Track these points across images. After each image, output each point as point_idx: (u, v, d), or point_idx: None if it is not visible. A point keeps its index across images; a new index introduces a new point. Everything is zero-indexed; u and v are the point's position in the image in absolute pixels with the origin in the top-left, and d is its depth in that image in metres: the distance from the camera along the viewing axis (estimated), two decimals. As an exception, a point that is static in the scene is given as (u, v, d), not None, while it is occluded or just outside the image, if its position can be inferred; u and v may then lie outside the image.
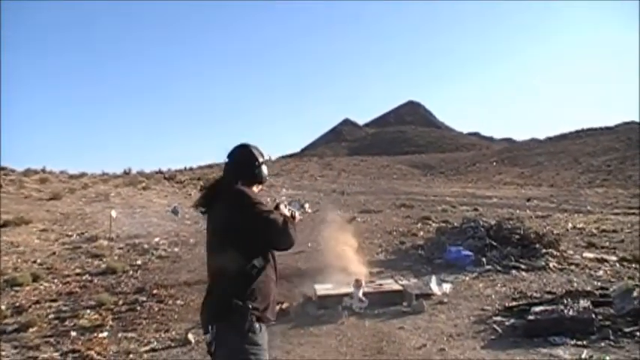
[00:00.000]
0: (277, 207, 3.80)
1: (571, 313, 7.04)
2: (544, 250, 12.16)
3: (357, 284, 8.93)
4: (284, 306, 8.67)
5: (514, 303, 8.52)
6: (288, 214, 3.81)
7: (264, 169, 3.86)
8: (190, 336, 7.41)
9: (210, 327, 3.44)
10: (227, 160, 3.83)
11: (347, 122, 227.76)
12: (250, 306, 3.38)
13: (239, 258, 3.44)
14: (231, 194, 3.59)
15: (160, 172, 58.03)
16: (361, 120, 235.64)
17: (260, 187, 3.89)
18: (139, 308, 9.44)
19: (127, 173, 51.58)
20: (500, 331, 7.21)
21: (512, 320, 7.56)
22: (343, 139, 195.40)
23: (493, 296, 9.24)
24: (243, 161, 3.78)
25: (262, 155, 3.86)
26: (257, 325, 3.41)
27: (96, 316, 8.99)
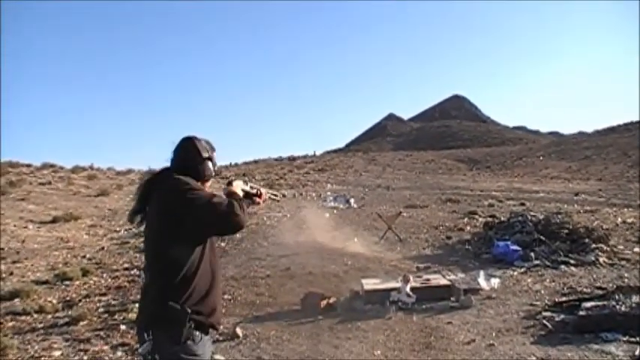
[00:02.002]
0: (230, 183, 3.47)
1: (623, 308, 6.91)
2: (593, 245, 11.97)
3: (405, 279, 8.92)
4: (331, 300, 8.68)
5: (564, 298, 8.40)
6: (247, 189, 3.56)
7: (210, 164, 3.45)
8: (238, 330, 7.45)
9: (146, 334, 3.06)
10: (172, 153, 3.46)
11: (391, 117, 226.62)
12: (189, 310, 3.04)
13: (176, 255, 3.09)
14: (168, 183, 3.22)
15: (206, 168, 58.44)
16: (406, 115, 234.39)
17: (206, 185, 3.46)
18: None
19: (174, 168, 52.06)
20: (550, 326, 7.11)
21: (562, 316, 7.45)
22: (388, 134, 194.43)
23: (542, 291, 9.15)
24: (185, 154, 3.40)
25: (209, 150, 3.47)
26: (197, 333, 3.07)
27: (147, 310, 9.10)
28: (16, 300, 9.92)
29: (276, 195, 3.99)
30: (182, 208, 3.08)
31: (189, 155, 3.39)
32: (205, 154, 3.43)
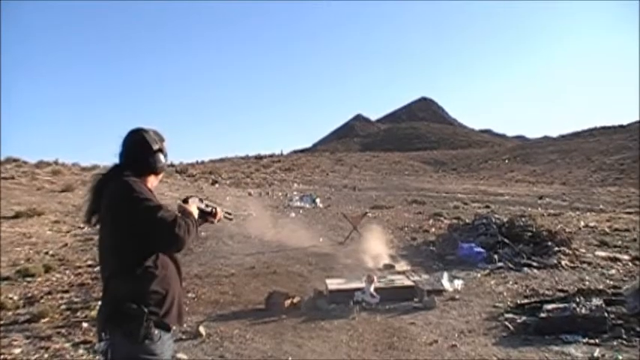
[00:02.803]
0: (186, 201, 3.43)
1: (583, 311, 7.02)
2: (556, 248, 12.15)
3: (369, 279, 8.94)
4: (295, 300, 8.67)
5: (526, 300, 8.53)
6: (203, 207, 3.51)
7: (161, 157, 3.36)
8: (202, 329, 7.38)
9: (103, 334, 3.02)
10: (120, 147, 3.35)
11: (359, 118, 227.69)
12: (147, 310, 2.98)
13: (132, 255, 3.04)
14: (116, 186, 3.14)
15: (172, 165, 58.16)
16: (373, 116, 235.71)
17: (158, 177, 3.43)
18: (150, 300, 9.46)
19: (139, 166, 51.62)
20: (511, 328, 7.19)
21: (523, 318, 7.54)
22: (355, 135, 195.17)
23: (505, 293, 9.25)
24: (134, 148, 3.30)
25: (159, 141, 3.37)
26: (156, 332, 3.01)
27: (108, 307, 9.00)
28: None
29: (230, 214, 3.87)
30: (128, 214, 3.04)
31: (139, 149, 3.31)
32: (156, 146, 3.34)
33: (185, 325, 7.87)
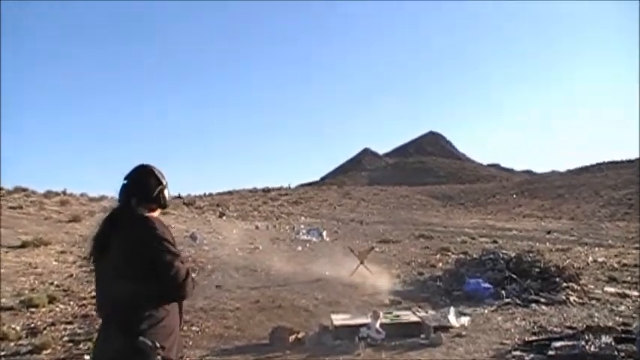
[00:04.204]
0: None
1: (593, 349, 6.89)
2: (564, 284, 12.01)
3: (375, 315, 8.83)
4: (299, 335, 8.58)
5: (534, 337, 8.38)
6: None
7: (167, 192, 3.46)
8: (204, 364, 7.32)
9: None
10: (124, 182, 3.40)
11: (367, 152, 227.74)
12: (158, 345, 2.99)
13: (142, 291, 3.07)
14: (136, 221, 3.21)
15: (180, 197, 58.36)
16: (381, 150, 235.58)
17: (159, 212, 3.48)
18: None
19: (146, 198, 51.77)
20: (519, 366, 7.06)
21: (531, 355, 7.39)
22: (363, 169, 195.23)
23: (512, 330, 9.10)
24: (144, 183, 3.38)
25: (164, 177, 3.47)
26: None
27: (111, 341, 8.92)
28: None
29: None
30: (151, 252, 3.08)
31: (150, 184, 3.39)
32: (164, 182, 3.45)
33: (188, 360, 7.81)
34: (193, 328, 9.72)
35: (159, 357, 2.99)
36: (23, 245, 18.42)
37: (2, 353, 8.20)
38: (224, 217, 44.17)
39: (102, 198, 42.98)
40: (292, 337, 8.45)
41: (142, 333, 2.98)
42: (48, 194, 35.90)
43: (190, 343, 8.80)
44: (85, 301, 12.00)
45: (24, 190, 35.49)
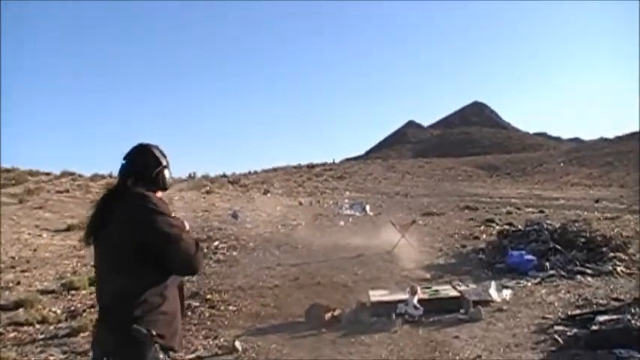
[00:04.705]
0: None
1: (639, 323, 6.57)
2: (611, 254, 11.56)
3: (413, 290, 8.65)
4: (336, 313, 8.43)
5: (578, 311, 8.06)
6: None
7: (167, 173, 3.30)
8: (237, 344, 7.21)
9: (105, 359, 2.90)
10: (123, 161, 3.24)
11: (411, 124, 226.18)
12: (154, 333, 2.86)
13: (141, 276, 2.93)
14: (132, 199, 3.03)
15: (225, 175, 58.73)
16: (426, 122, 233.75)
17: (161, 194, 3.29)
18: (190, 313, 9.33)
19: (191, 177, 52.32)
20: (561, 341, 6.74)
21: (574, 330, 7.08)
22: (408, 141, 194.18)
23: (556, 303, 8.77)
24: (143, 162, 3.22)
25: (165, 157, 3.32)
26: (161, 357, 2.91)
27: (147, 321, 8.91)
28: (20, 310, 9.79)
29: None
30: (148, 233, 2.93)
31: (148, 164, 3.23)
32: (164, 162, 3.29)
33: (222, 340, 7.73)
34: (230, 307, 9.67)
35: (157, 346, 2.88)
36: (69, 228, 18.70)
37: (41, 336, 8.26)
38: (268, 195, 44.29)
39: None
40: (328, 315, 8.32)
41: (137, 321, 2.85)
42: (94, 177, 36.33)
43: (226, 322, 8.75)
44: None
45: (71, 174, 35.98)
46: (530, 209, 27.25)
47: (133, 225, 2.94)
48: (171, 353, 3.04)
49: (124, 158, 3.24)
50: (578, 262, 11.24)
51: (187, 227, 3.17)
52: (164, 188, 3.31)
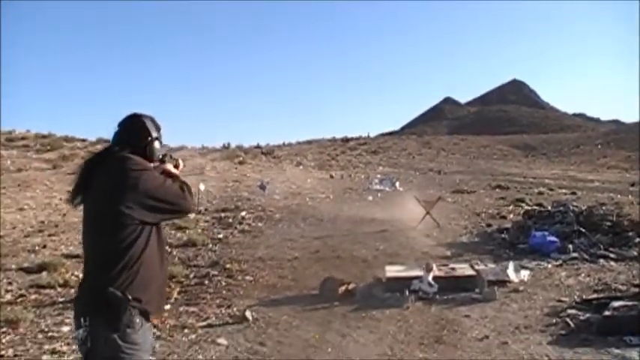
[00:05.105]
0: (163, 161, 3.35)
1: (653, 310, 6.40)
2: (638, 239, 11.34)
3: (428, 267, 8.59)
4: (350, 287, 8.42)
5: (594, 295, 7.91)
6: (172, 167, 3.41)
7: (157, 144, 3.27)
8: (248, 313, 7.25)
9: (83, 320, 2.87)
10: (116, 129, 3.24)
11: (448, 100, 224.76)
12: (130, 297, 2.84)
13: (120, 239, 2.89)
14: (114, 160, 3.04)
15: (259, 146, 58.97)
16: (463, 98, 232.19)
17: (152, 165, 3.24)
18: (207, 282, 9.43)
19: (225, 147, 52.61)
20: (572, 325, 6.60)
21: (587, 315, 6.90)
22: (444, 118, 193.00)
23: (574, 287, 8.60)
24: (133, 132, 3.20)
25: (157, 129, 3.29)
26: (137, 320, 2.87)
27: (165, 288, 9.01)
28: (44, 273, 9.98)
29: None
30: (132, 189, 2.92)
31: (138, 134, 3.21)
32: (154, 134, 3.26)
33: (235, 309, 7.78)
34: (247, 277, 9.75)
35: (134, 309, 2.86)
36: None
37: (61, 299, 8.40)
38: (300, 167, 44.38)
39: (181, 148, 43.88)
40: (342, 289, 8.31)
41: (113, 284, 2.84)
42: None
43: (241, 292, 8.81)
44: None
45: (106, 141, 36.34)
46: (562, 190, 26.91)
47: (115, 187, 2.94)
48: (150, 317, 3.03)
49: (117, 126, 3.24)
50: (602, 246, 11.04)
51: (176, 171, 3.33)
52: (151, 159, 3.25)
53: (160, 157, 3.36)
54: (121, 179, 2.95)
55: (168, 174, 3.24)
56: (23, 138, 36.70)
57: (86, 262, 3.13)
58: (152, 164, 3.24)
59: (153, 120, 3.31)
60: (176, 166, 3.49)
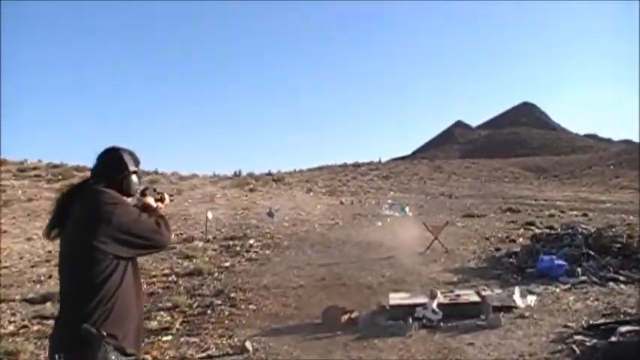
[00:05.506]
0: (144, 194, 3.38)
1: (661, 336, 6.24)
2: (648, 262, 11.16)
3: (432, 294, 8.45)
4: (353, 315, 8.30)
5: (601, 320, 7.74)
6: (155, 196, 3.47)
7: (134, 178, 3.27)
8: (248, 344, 7.16)
9: (57, 356, 2.84)
10: (95, 162, 3.25)
11: (459, 124, 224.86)
12: (105, 333, 2.81)
13: (91, 273, 2.86)
14: (89, 194, 3.04)
15: (270, 174, 59.05)
16: (474, 122, 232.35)
17: (129, 200, 3.27)
18: (209, 312, 9.34)
19: (237, 175, 52.78)
20: (578, 352, 6.44)
21: (594, 340, 6.73)
22: (455, 142, 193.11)
23: (582, 311, 8.42)
24: (109, 165, 3.21)
25: (135, 163, 3.29)
26: (112, 357, 2.82)
27: (167, 318, 8.98)
28: (48, 303, 9.96)
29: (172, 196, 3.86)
30: (105, 223, 2.91)
31: (114, 167, 3.22)
32: (132, 168, 3.26)
33: (236, 340, 7.68)
34: (251, 306, 9.66)
35: (109, 346, 2.82)
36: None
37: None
38: (310, 193, 44.34)
39: (192, 176, 43.98)
40: (345, 317, 8.19)
41: (88, 320, 2.81)
42: (139, 173, 36.95)
43: (244, 322, 8.73)
44: (154, 279, 12.24)
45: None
46: (574, 212, 26.68)
47: (88, 221, 2.93)
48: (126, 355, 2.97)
49: (96, 159, 3.26)
50: (611, 269, 10.85)
51: (161, 205, 3.41)
52: (128, 193, 3.27)
53: (139, 190, 3.35)
54: (95, 213, 2.94)
55: (145, 208, 3.23)
56: (35, 168, 37.13)
57: (62, 296, 3.10)
58: (130, 198, 3.25)
59: (132, 153, 3.33)
60: (161, 200, 3.51)
